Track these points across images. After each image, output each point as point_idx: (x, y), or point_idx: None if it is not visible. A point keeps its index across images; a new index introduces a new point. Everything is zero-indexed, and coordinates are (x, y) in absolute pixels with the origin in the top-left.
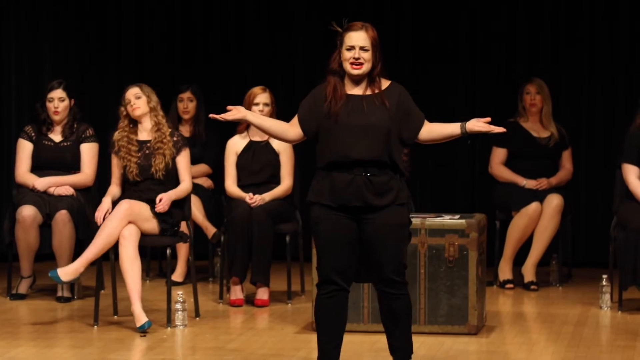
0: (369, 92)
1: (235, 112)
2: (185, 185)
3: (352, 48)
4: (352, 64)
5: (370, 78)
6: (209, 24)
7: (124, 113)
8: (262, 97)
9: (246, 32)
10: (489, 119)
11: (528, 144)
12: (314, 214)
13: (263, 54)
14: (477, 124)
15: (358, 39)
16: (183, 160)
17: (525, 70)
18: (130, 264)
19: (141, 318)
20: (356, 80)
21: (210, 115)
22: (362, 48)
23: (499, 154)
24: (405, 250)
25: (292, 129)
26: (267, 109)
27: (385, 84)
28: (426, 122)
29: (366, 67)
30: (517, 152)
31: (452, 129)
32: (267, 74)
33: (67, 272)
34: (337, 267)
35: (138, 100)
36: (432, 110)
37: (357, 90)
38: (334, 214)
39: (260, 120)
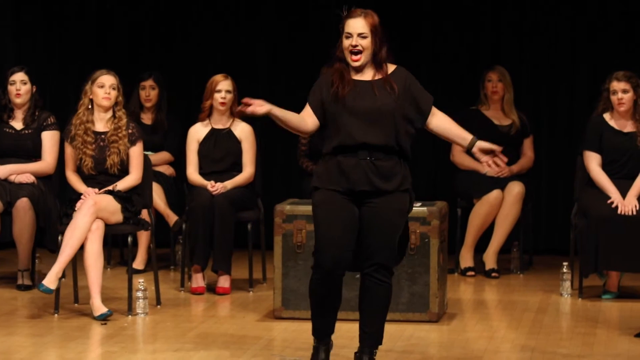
0: (376, 77)
1: (258, 107)
2: (133, 176)
3: (350, 35)
4: (351, 52)
5: (375, 64)
6: (171, 11)
7: (89, 95)
8: (224, 84)
9: (208, 19)
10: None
11: (489, 131)
12: (317, 199)
13: (225, 40)
14: (485, 148)
15: (356, 26)
16: (135, 152)
17: (487, 58)
18: (94, 259)
19: (100, 309)
20: (359, 67)
21: (238, 109)
22: (360, 35)
23: None
24: (397, 237)
25: (309, 119)
26: (229, 96)
27: (391, 68)
28: (436, 111)
29: (365, 56)
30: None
31: (462, 138)
32: (228, 61)
33: (51, 280)
34: (337, 252)
35: (113, 91)
36: None
37: (364, 76)
38: (338, 199)
39: (283, 113)
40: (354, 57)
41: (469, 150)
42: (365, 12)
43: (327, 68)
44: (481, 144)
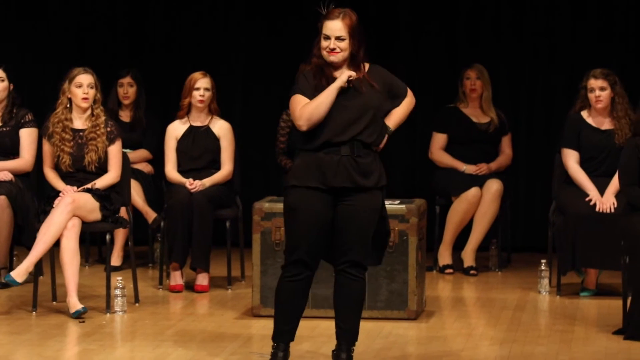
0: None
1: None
2: (112, 175)
3: (327, 37)
4: (327, 52)
5: (353, 64)
6: (150, 8)
7: (67, 95)
8: (202, 82)
9: (187, 17)
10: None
11: (468, 129)
12: (294, 198)
13: (203, 38)
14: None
15: (334, 28)
16: (114, 150)
17: (466, 56)
18: (71, 257)
19: (76, 307)
20: (337, 66)
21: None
22: (337, 38)
23: (438, 140)
24: (371, 234)
25: None
26: (207, 94)
27: (366, 67)
28: (409, 94)
29: (343, 55)
30: (457, 138)
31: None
32: (207, 59)
33: (19, 273)
34: (311, 253)
35: (91, 91)
36: None
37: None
38: (316, 199)
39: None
40: (332, 54)
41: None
42: (344, 12)
43: (305, 65)
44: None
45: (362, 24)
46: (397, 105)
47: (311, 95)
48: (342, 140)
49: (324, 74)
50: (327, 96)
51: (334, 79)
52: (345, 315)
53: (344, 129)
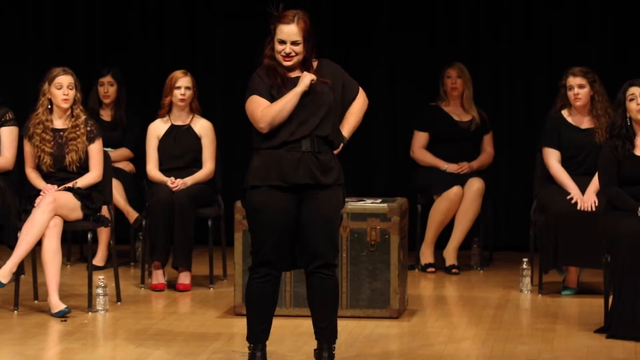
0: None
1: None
2: (94, 174)
3: (283, 42)
4: (283, 57)
5: (304, 65)
6: (129, 5)
7: (47, 96)
8: (183, 80)
9: (167, 15)
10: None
11: (449, 127)
12: (257, 199)
13: (183, 36)
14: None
15: (289, 33)
16: (94, 149)
17: (446, 54)
18: (52, 256)
19: (58, 306)
20: (289, 68)
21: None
22: (293, 42)
23: (420, 138)
24: (338, 232)
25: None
26: (188, 93)
27: (314, 63)
28: (360, 96)
29: (297, 59)
30: (438, 136)
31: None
32: (187, 57)
33: (4, 274)
34: (278, 253)
35: (71, 92)
36: None
37: (294, 74)
38: (279, 198)
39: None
40: (287, 59)
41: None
42: (298, 16)
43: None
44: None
45: (345, 22)
46: (349, 103)
47: (267, 95)
48: (302, 135)
49: (278, 74)
50: (290, 100)
51: (288, 78)
52: (322, 315)
53: (302, 125)
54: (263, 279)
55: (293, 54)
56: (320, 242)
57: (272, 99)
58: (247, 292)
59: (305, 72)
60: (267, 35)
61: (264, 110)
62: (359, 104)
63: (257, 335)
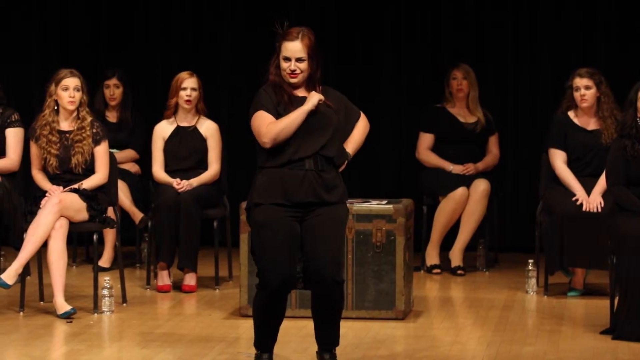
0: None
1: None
2: (99, 176)
3: (288, 59)
4: (289, 74)
5: (309, 83)
6: (134, 7)
7: (54, 97)
8: (189, 82)
9: (173, 16)
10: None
11: (455, 129)
12: (261, 217)
13: (188, 37)
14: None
15: (294, 50)
16: (100, 151)
17: (452, 56)
18: (58, 257)
19: (64, 307)
20: (295, 86)
21: None
22: (298, 59)
23: (426, 139)
24: (342, 248)
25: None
26: (194, 94)
27: (319, 89)
28: (362, 117)
29: (302, 76)
30: (444, 137)
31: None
32: (193, 58)
33: (9, 276)
34: (282, 272)
35: (77, 94)
36: (358, 97)
37: (301, 93)
38: (281, 217)
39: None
40: (292, 76)
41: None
42: (302, 33)
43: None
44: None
45: (350, 22)
46: (352, 127)
47: (273, 111)
48: (306, 155)
49: (284, 91)
50: (296, 118)
51: (295, 96)
52: (323, 323)
53: (307, 144)
54: (268, 298)
55: (298, 70)
56: (323, 258)
57: (278, 115)
58: (254, 303)
59: (313, 92)
60: (273, 53)
61: (269, 126)
62: (362, 125)
63: (265, 344)
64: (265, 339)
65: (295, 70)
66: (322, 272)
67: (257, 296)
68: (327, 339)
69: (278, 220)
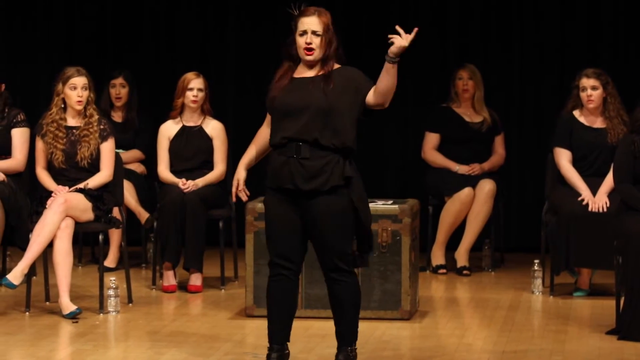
0: (319, 74)
1: (239, 186)
2: (105, 173)
3: (304, 33)
4: (305, 49)
5: (322, 61)
6: (140, 7)
7: (61, 96)
8: (196, 82)
9: (178, 16)
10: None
11: (461, 129)
12: (265, 199)
13: (194, 37)
14: (396, 43)
15: (310, 23)
16: (106, 148)
17: (457, 56)
18: (63, 257)
19: (69, 308)
20: (310, 65)
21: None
22: (314, 32)
23: (431, 139)
24: (346, 236)
25: (268, 128)
26: (201, 94)
27: (336, 66)
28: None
29: (318, 53)
30: (449, 137)
31: (384, 70)
32: (198, 59)
33: (15, 276)
34: (281, 252)
35: (85, 92)
36: None
37: (307, 73)
38: (278, 198)
39: (250, 158)
40: (308, 53)
41: (392, 60)
42: (319, 10)
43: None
44: (393, 48)
45: (357, 23)
46: (363, 97)
47: (272, 93)
48: (282, 142)
49: (281, 77)
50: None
51: (288, 81)
52: (337, 318)
53: (282, 130)
54: (274, 278)
55: (313, 45)
56: (321, 244)
57: (272, 100)
58: (267, 292)
59: (316, 67)
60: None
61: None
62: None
63: (275, 335)
64: (273, 329)
65: (310, 44)
66: (324, 267)
67: (268, 280)
68: (340, 334)
69: (273, 205)
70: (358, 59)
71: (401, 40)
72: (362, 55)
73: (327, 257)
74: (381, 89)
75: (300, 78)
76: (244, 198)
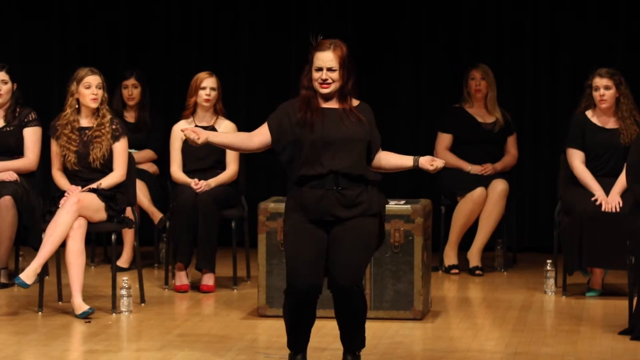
0: (342, 107)
1: (196, 136)
2: (118, 173)
3: (320, 69)
4: (320, 84)
5: (341, 95)
6: (154, 7)
7: (75, 96)
8: (208, 81)
9: (191, 16)
10: (442, 162)
11: (473, 129)
12: (287, 225)
13: (207, 37)
14: (429, 165)
15: (325, 59)
16: (119, 148)
17: (470, 56)
18: (76, 257)
19: (82, 307)
20: (327, 97)
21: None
22: (329, 69)
23: (444, 140)
24: (368, 259)
25: (256, 137)
26: (213, 94)
27: (355, 102)
28: (380, 150)
29: (334, 86)
30: (462, 138)
31: (405, 162)
32: (211, 58)
33: (28, 275)
34: (306, 281)
35: (99, 91)
36: (376, 97)
37: (331, 105)
38: (306, 225)
39: (222, 138)
40: (324, 86)
41: (415, 165)
42: (335, 44)
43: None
44: (425, 162)
45: (369, 25)
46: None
47: (279, 127)
48: (323, 172)
49: (309, 107)
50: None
51: (318, 111)
52: (344, 328)
53: (325, 161)
54: (294, 303)
55: (329, 80)
56: (338, 265)
57: (293, 134)
58: (283, 307)
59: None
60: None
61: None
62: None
63: (297, 345)
64: (297, 341)
65: (326, 80)
66: (336, 278)
67: (284, 301)
68: (349, 342)
69: (303, 227)
70: (370, 60)
71: (440, 162)
72: (374, 56)
73: (343, 274)
74: (383, 166)
75: (329, 108)
76: (192, 135)
